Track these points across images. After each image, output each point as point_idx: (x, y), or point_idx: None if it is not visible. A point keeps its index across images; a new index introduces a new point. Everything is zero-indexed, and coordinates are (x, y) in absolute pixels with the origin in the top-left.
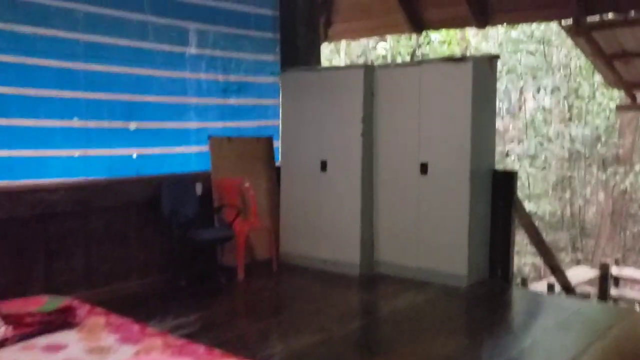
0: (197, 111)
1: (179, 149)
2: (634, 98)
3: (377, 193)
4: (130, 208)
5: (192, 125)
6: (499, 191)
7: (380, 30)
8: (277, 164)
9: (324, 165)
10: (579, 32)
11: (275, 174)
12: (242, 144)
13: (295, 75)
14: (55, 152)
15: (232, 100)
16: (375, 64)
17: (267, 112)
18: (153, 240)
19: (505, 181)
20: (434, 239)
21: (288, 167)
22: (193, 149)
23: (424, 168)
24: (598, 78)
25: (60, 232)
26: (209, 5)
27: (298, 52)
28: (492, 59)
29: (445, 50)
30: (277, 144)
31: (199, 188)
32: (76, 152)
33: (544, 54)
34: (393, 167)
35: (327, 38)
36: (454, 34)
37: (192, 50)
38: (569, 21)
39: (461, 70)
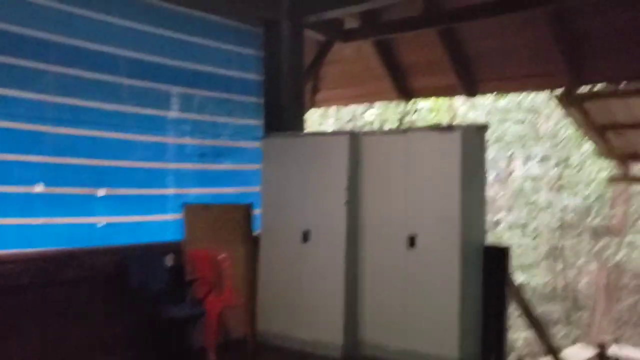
0: (174, 177)
1: (153, 217)
2: (626, 169)
3: (361, 267)
4: (95, 281)
5: (168, 191)
6: (491, 268)
7: (368, 98)
8: (257, 233)
9: (305, 236)
10: (571, 103)
11: (254, 244)
12: (219, 212)
13: (278, 141)
14: (14, 220)
15: (212, 166)
16: (364, 129)
17: (248, 179)
18: (118, 316)
19: (497, 257)
20: (422, 318)
21: (268, 237)
22: (168, 217)
23: (411, 241)
24: (587, 147)
25: (14, 307)
26: (191, 69)
27: (282, 118)
28: (481, 129)
29: (433, 118)
30: (257, 212)
31: (169, 260)
32: (38, 221)
33: (533, 123)
34: (379, 240)
35: (314, 104)
36: (442, 102)
37: (172, 113)
38: (560, 91)
39: (449, 139)
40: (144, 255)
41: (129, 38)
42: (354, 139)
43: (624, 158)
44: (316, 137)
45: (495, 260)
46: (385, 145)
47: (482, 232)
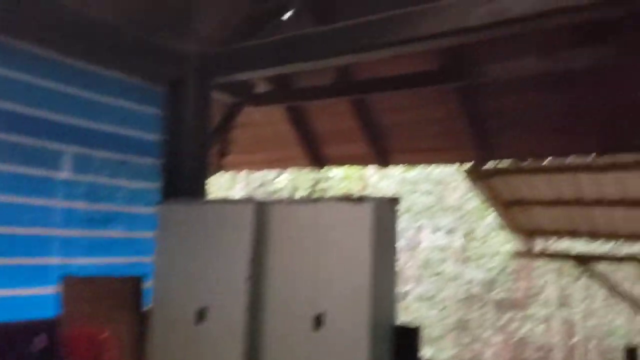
0: (59, 244)
1: (31, 291)
2: (530, 245)
3: (263, 351)
4: None
5: (51, 261)
6: (401, 349)
7: (279, 164)
8: (147, 309)
9: (201, 315)
10: (478, 177)
11: (143, 322)
12: (103, 285)
13: (175, 207)
14: None
15: (102, 232)
16: (273, 196)
17: (142, 248)
18: None
19: (408, 338)
20: None
21: (159, 314)
22: (49, 290)
23: (318, 321)
24: (492, 219)
25: None
26: (84, 126)
27: (182, 182)
28: (393, 201)
29: (345, 186)
30: (149, 285)
31: (40, 341)
32: None
33: (441, 195)
34: (283, 319)
35: (222, 168)
36: (354, 170)
37: (60, 174)
38: (469, 165)
39: (360, 211)
40: (9, 336)
41: (11, 89)
42: (260, 208)
43: (528, 234)
44: (218, 204)
45: (405, 341)
46: (294, 216)
47: (393, 309)
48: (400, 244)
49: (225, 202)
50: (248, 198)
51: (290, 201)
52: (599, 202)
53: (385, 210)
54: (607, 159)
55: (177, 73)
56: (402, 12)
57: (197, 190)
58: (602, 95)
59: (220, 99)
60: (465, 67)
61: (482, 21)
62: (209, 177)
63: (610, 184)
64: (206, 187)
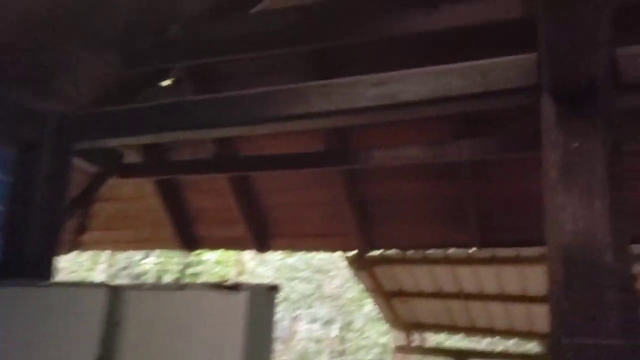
0: None
1: None
2: (409, 339)
3: None
4: None
5: None
6: None
7: (147, 244)
8: None
9: None
10: (361, 266)
11: None
12: None
13: (13, 290)
14: None
15: None
16: (137, 281)
17: None
18: None
19: None
20: None
21: None
22: None
23: None
24: (370, 309)
25: None
26: None
27: (25, 260)
28: (272, 290)
29: (220, 271)
30: None
31: None
32: None
33: (320, 283)
34: None
35: (79, 245)
36: (230, 254)
37: None
38: (352, 253)
39: (234, 300)
40: None
41: None
42: (114, 294)
43: (408, 327)
44: (65, 288)
45: None
46: (156, 304)
47: None
48: (276, 335)
49: (73, 285)
50: (101, 282)
51: (153, 287)
52: (477, 297)
53: (263, 299)
54: (486, 253)
55: (31, 134)
56: (287, 87)
57: (43, 270)
58: (483, 189)
59: (82, 167)
60: (352, 150)
61: (370, 103)
62: (62, 255)
63: (488, 278)
64: (54, 267)
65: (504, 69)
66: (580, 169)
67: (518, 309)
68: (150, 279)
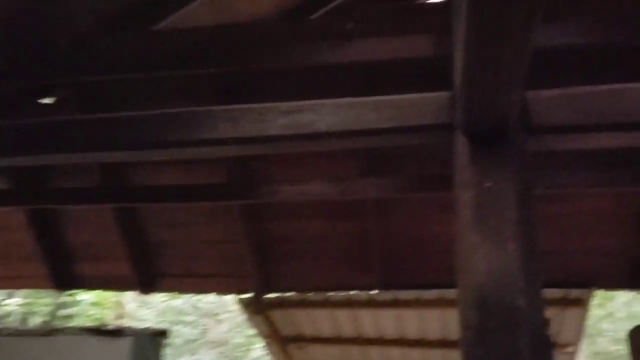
0: None
1: None
2: None
3: None
4: None
5: None
6: None
7: (11, 282)
8: None
9: None
10: (257, 310)
11: None
12: None
13: None
14: None
15: None
16: None
17: None
18: None
19: None
20: None
21: None
22: None
23: None
24: (256, 356)
25: None
26: None
27: None
28: (158, 335)
29: (96, 314)
30: None
31: None
32: None
33: (206, 327)
34: None
35: None
36: (109, 295)
37: None
38: (247, 296)
39: (116, 347)
40: None
41: None
42: None
43: None
44: None
45: None
46: (21, 352)
47: None
48: None
49: None
50: None
51: (18, 332)
52: (377, 341)
53: (149, 346)
54: (387, 295)
55: None
56: (190, 110)
57: None
58: (385, 230)
59: None
60: (254, 184)
61: (280, 132)
62: None
63: (389, 322)
64: None
65: (418, 105)
66: (492, 209)
67: (416, 354)
68: (14, 322)
